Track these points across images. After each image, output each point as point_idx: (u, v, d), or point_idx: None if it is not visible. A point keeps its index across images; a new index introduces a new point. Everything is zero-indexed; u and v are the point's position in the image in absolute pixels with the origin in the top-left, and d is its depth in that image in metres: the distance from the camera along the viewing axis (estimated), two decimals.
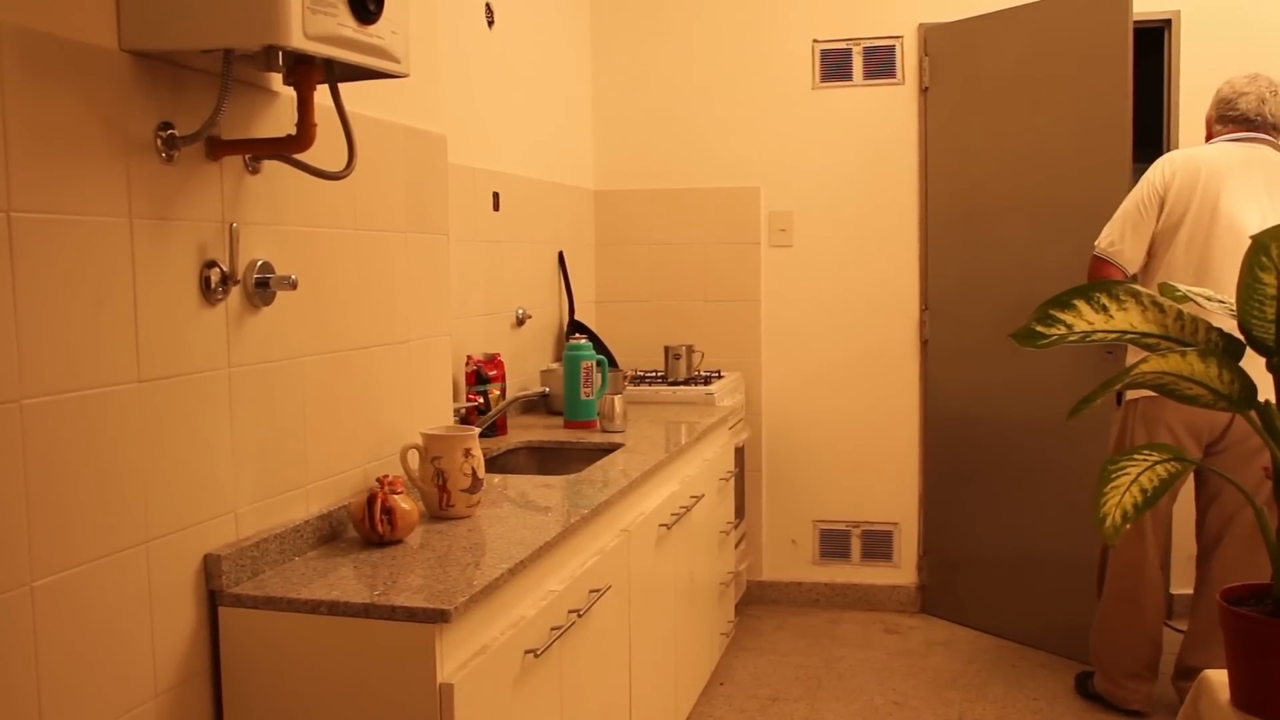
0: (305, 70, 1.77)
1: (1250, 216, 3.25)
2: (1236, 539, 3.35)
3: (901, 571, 4.62)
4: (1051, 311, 1.72)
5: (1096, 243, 3.45)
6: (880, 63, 4.46)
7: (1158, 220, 3.37)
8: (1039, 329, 1.73)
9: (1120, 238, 3.41)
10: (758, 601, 4.66)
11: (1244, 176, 3.33)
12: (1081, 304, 1.72)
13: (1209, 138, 3.52)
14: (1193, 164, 3.37)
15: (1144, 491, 1.69)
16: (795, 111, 4.55)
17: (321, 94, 1.82)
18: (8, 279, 1.43)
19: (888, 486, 4.59)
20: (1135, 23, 3.76)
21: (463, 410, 3.08)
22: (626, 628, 2.63)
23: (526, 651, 1.98)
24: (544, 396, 3.64)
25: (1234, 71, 4.20)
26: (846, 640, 4.26)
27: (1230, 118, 3.46)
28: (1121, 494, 1.69)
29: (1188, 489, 3.58)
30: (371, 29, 1.76)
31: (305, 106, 1.78)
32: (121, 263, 1.62)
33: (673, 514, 3.03)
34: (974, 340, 4.31)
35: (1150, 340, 1.72)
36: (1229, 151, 3.40)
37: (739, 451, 4.20)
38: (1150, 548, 3.43)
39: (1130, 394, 3.31)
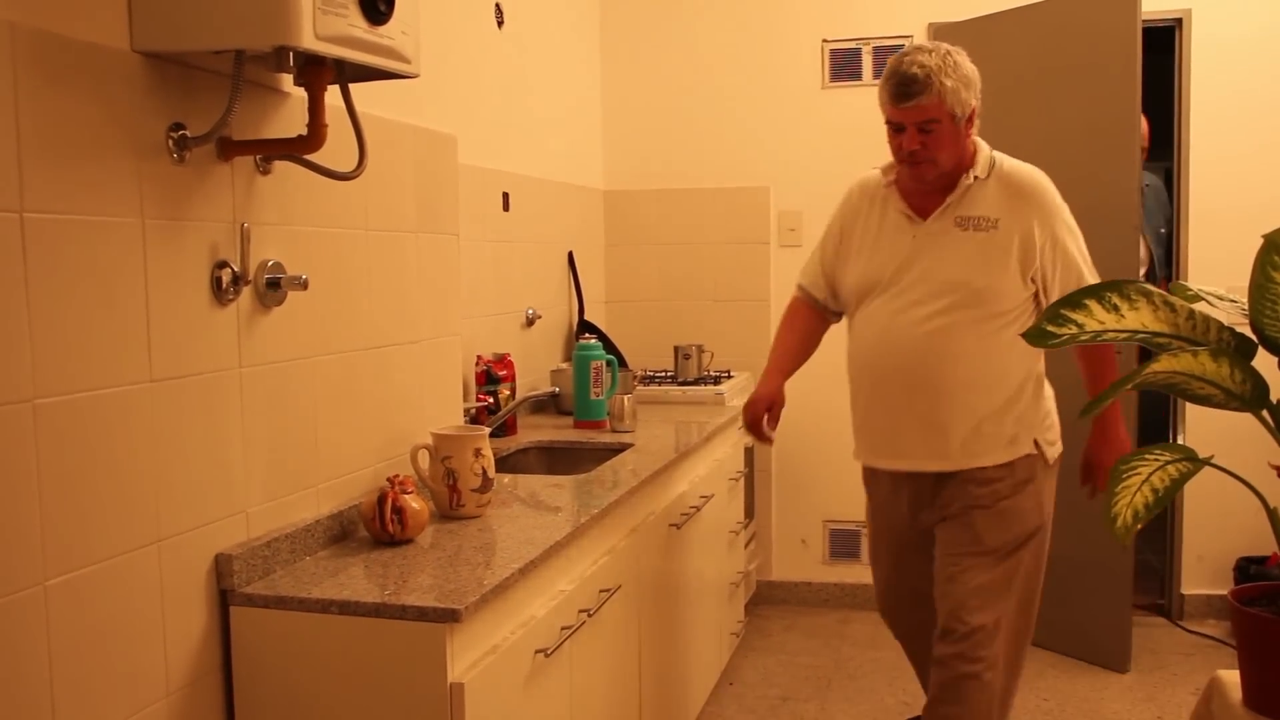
0: (316, 71, 1.77)
1: None
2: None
3: None
4: (1063, 311, 1.72)
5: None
6: None
7: None
8: (1050, 328, 1.73)
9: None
10: (767, 601, 4.66)
11: None
12: (1093, 303, 1.72)
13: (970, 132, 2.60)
14: None
15: (1155, 491, 1.69)
16: (805, 111, 4.55)
17: (332, 94, 1.82)
18: (20, 280, 1.43)
19: None
20: (1146, 22, 3.75)
21: (473, 410, 3.09)
22: (636, 627, 2.64)
23: (537, 651, 1.98)
24: (554, 396, 3.64)
25: (1246, 72, 4.20)
26: (856, 640, 4.26)
27: None
28: (1133, 494, 1.69)
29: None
30: (382, 30, 1.77)
31: (316, 107, 1.79)
32: (133, 263, 1.62)
33: (682, 514, 3.03)
34: None
35: (1162, 340, 1.72)
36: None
37: (749, 451, 4.20)
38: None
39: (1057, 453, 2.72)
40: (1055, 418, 2.73)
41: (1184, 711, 3.51)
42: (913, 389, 2.57)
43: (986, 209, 2.55)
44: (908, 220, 2.62)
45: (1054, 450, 2.69)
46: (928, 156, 2.52)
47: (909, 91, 2.47)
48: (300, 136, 1.82)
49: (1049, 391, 2.73)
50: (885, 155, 5.05)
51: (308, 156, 1.88)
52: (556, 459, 3.24)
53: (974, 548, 2.57)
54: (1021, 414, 2.60)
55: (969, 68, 2.53)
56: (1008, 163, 2.62)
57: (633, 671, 2.62)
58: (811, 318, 2.89)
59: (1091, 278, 2.53)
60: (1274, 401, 1.67)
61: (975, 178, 2.56)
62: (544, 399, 3.61)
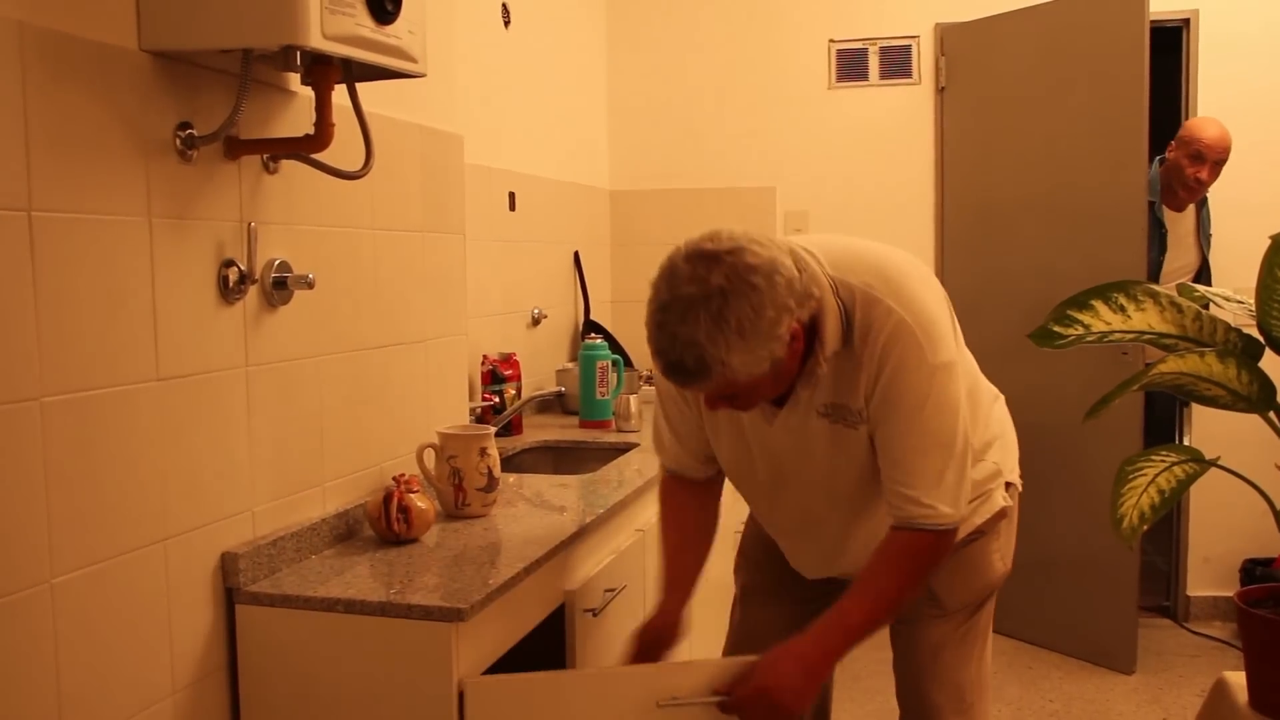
0: (323, 70, 1.77)
1: None
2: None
3: None
4: (1069, 312, 1.72)
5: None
6: (896, 62, 4.46)
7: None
8: (1056, 329, 1.73)
9: None
10: None
11: None
12: (1099, 304, 1.71)
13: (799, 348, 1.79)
14: None
15: (1161, 493, 1.69)
16: (811, 111, 4.55)
17: (339, 94, 1.82)
18: (28, 278, 1.44)
19: None
20: (1154, 22, 3.74)
21: (478, 409, 3.09)
22: None
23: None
24: (559, 396, 3.64)
25: (1255, 72, 4.19)
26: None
27: None
28: (1139, 495, 1.69)
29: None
30: (389, 29, 1.77)
31: (323, 106, 1.79)
32: (140, 262, 1.63)
33: None
34: (990, 342, 4.25)
35: (1168, 341, 1.72)
36: None
37: None
38: None
39: None
40: (1012, 442, 2.12)
41: (1189, 713, 3.51)
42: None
43: (850, 393, 1.80)
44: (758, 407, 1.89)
45: (1015, 492, 2.11)
46: (744, 407, 1.83)
47: (683, 381, 1.73)
48: (307, 136, 1.82)
49: (998, 415, 2.08)
50: (890, 158, 4.99)
51: (314, 155, 1.88)
52: (562, 458, 3.24)
53: (931, 611, 2.05)
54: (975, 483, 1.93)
55: (768, 300, 1.69)
56: (863, 318, 1.77)
57: None
58: (698, 496, 2.10)
59: (924, 463, 1.76)
60: None
61: (828, 358, 1.78)
62: (549, 398, 3.61)
